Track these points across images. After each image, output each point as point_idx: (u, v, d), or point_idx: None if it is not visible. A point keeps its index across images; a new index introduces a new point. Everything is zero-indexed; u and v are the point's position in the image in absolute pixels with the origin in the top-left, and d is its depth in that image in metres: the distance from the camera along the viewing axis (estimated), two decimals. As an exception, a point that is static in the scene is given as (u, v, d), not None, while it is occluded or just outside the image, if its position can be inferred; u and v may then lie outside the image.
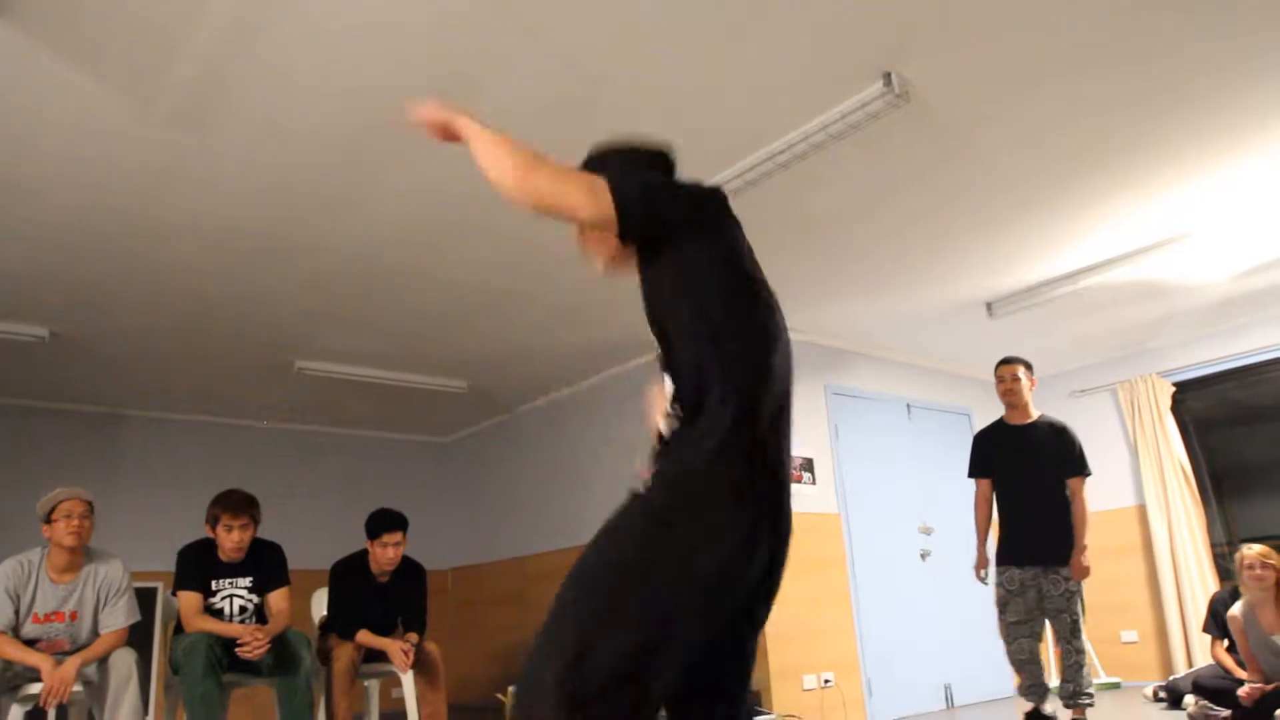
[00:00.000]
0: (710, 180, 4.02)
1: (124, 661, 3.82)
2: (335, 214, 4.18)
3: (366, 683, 4.77)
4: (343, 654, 4.37)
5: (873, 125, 3.60)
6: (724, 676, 1.67)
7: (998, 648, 4.67)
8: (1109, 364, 7.48)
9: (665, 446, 1.65)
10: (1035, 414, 4.70)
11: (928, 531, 6.62)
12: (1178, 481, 6.82)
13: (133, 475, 7.02)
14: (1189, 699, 4.95)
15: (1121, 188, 4.43)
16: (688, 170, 4.12)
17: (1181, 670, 6.25)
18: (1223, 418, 7.01)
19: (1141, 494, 7.07)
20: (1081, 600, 4.38)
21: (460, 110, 1.74)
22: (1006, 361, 4.73)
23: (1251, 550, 4.66)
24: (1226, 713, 4.56)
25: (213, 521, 4.20)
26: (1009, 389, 4.68)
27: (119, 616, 3.96)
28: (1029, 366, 4.73)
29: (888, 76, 3.31)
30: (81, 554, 3.95)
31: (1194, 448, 6.99)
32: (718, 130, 3.66)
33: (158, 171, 3.70)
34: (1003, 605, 4.55)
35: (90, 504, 3.93)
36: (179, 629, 4.20)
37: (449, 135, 1.81)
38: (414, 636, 4.57)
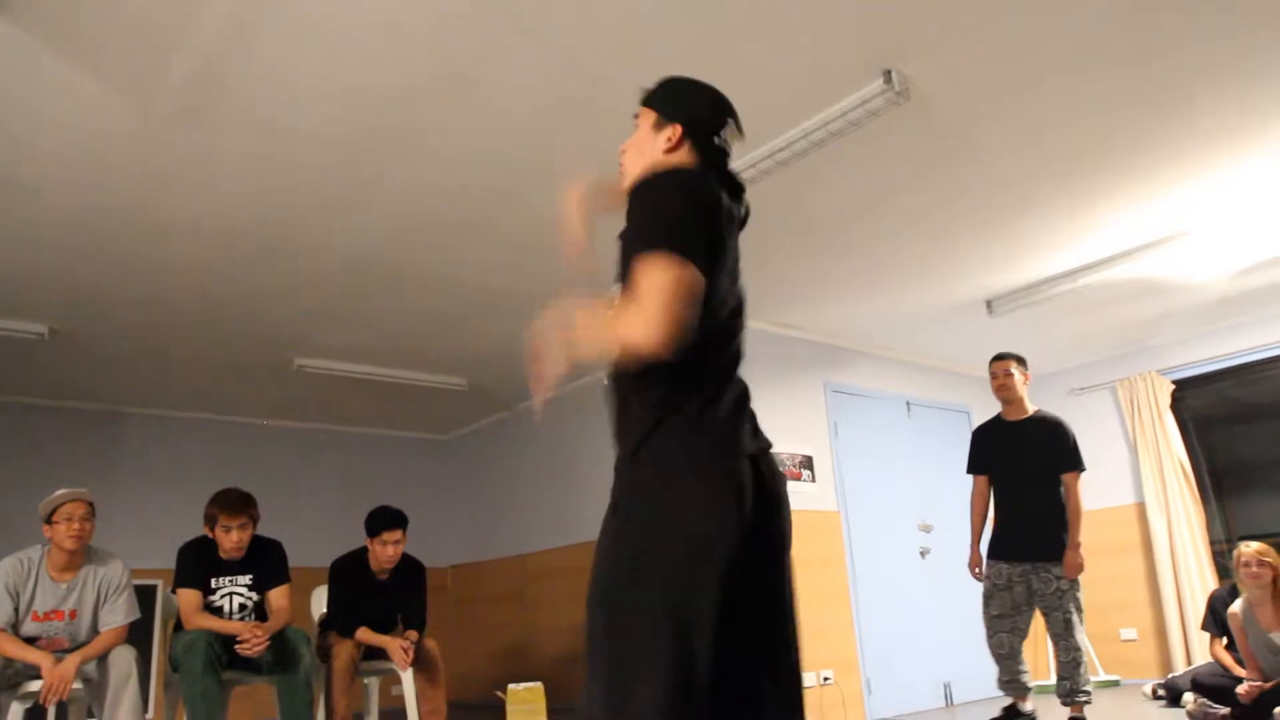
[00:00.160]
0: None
1: (124, 659, 3.83)
2: (335, 213, 4.18)
3: (366, 680, 4.78)
4: (342, 651, 4.38)
5: (873, 123, 3.60)
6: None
7: (997, 645, 4.68)
8: (1108, 362, 7.48)
9: (618, 477, 1.70)
10: (1031, 409, 4.70)
11: (927, 529, 6.63)
12: (1177, 479, 6.82)
13: (132, 473, 7.02)
14: (1188, 697, 4.96)
15: (1121, 186, 4.44)
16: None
17: (1180, 668, 6.26)
18: (1222, 415, 7.01)
19: (1141, 492, 7.08)
20: (1076, 598, 4.37)
21: (545, 343, 1.69)
22: (999, 358, 4.75)
23: (1248, 548, 4.67)
24: (1225, 710, 4.56)
25: (210, 522, 4.20)
26: (1002, 384, 4.70)
27: (119, 614, 3.97)
28: (1022, 362, 4.74)
29: (888, 74, 3.31)
30: (81, 553, 3.95)
31: (1193, 445, 6.99)
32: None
33: (157, 170, 3.70)
34: (987, 599, 4.57)
35: (91, 505, 3.93)
36: (179, 626, 4.20)
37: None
38: (414, 634, 4.58)
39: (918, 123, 3.70)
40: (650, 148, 1.85)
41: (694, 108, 1.86)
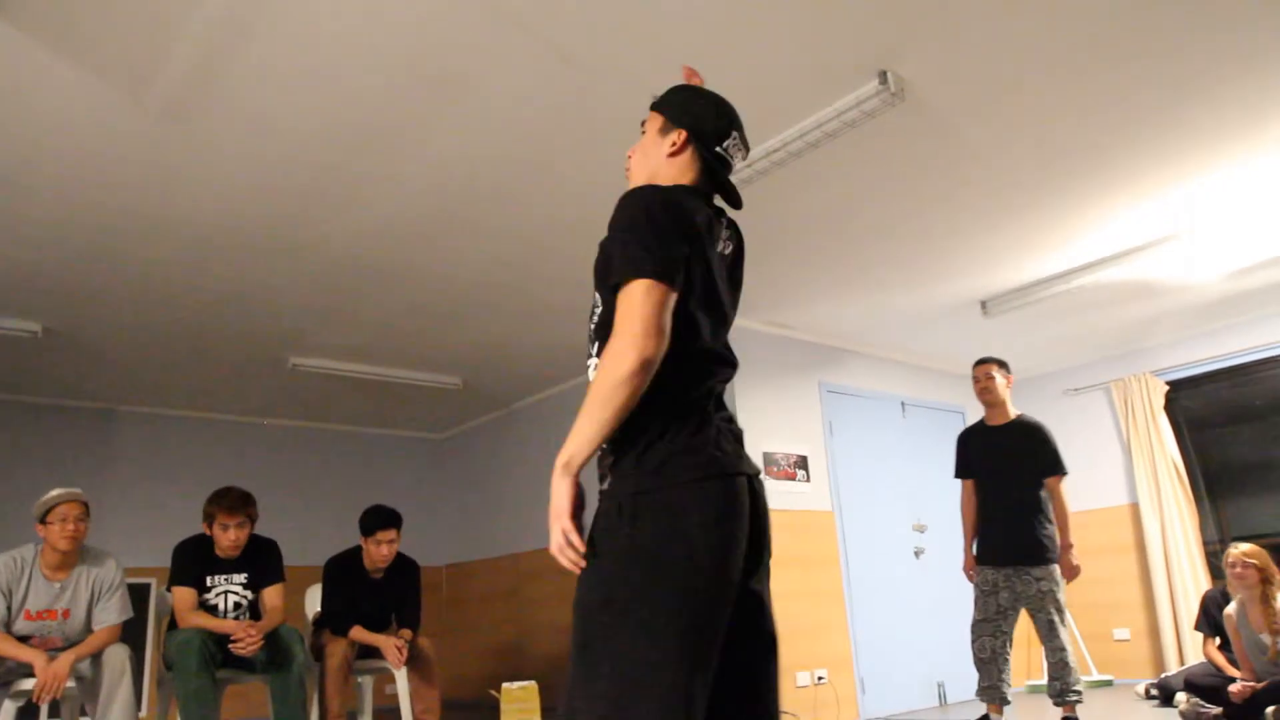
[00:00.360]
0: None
1: (118, 657, 3.82)
2: (330, 211, 4.18)
3: (360, 679, 4.78)
4: (336, 650, 4.37)
5: (868, 124, 3.61)
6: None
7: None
8: (1103, 363, 7.50)
9: (604, 482, 1.68)
10: (1013, 414, 4.74)
11: (921, 529, 6.64)
12: (1170, 480, 6.84)
13: (126, 471, 7.01)
14: (1180, 696, 4.98)
15: (1115, 187, 4.45)
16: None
17: (1173, 668, 6.28)
18: (1216, 417, 7.03)
19: (1135, 492, 7.09)
20: (1057, 599, 4.39)
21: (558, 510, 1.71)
22: (981, 362, 4.78)
23: (1236, 550, 4.69)
24: (1218, 710, 4.58)
25: (209, 520, 4.20)
26: (984, 388, 4.73)
27: (112, 613, 3.96)
28: (1004, 366, 4.76)
29: (883, 75, 3.31)
30: (75, 552, 3.94)
31: (1187, 446, 7.01)
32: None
33: (152, 168, 3.69)
34: (975, 603, 4.60)
35: (86, 506, 3.92)
36: (172, 625, 4.20)
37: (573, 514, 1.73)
38: (407, 633, 4.58)
39: (913, 124, 3.71)
40: (655, 152, 1.89)
41: (700, 115, 1.88)
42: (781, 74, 3.32)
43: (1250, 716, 4.38)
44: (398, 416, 8.16)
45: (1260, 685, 4.43)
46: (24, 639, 3.80)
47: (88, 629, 3.94)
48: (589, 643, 1.55)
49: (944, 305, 6.05)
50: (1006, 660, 4.50)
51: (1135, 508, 7.09)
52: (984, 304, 6.03)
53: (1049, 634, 4.37)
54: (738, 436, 1.74)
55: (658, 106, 1.94)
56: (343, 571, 4.67)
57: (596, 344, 1.72)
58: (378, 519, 4.61)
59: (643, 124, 1.97)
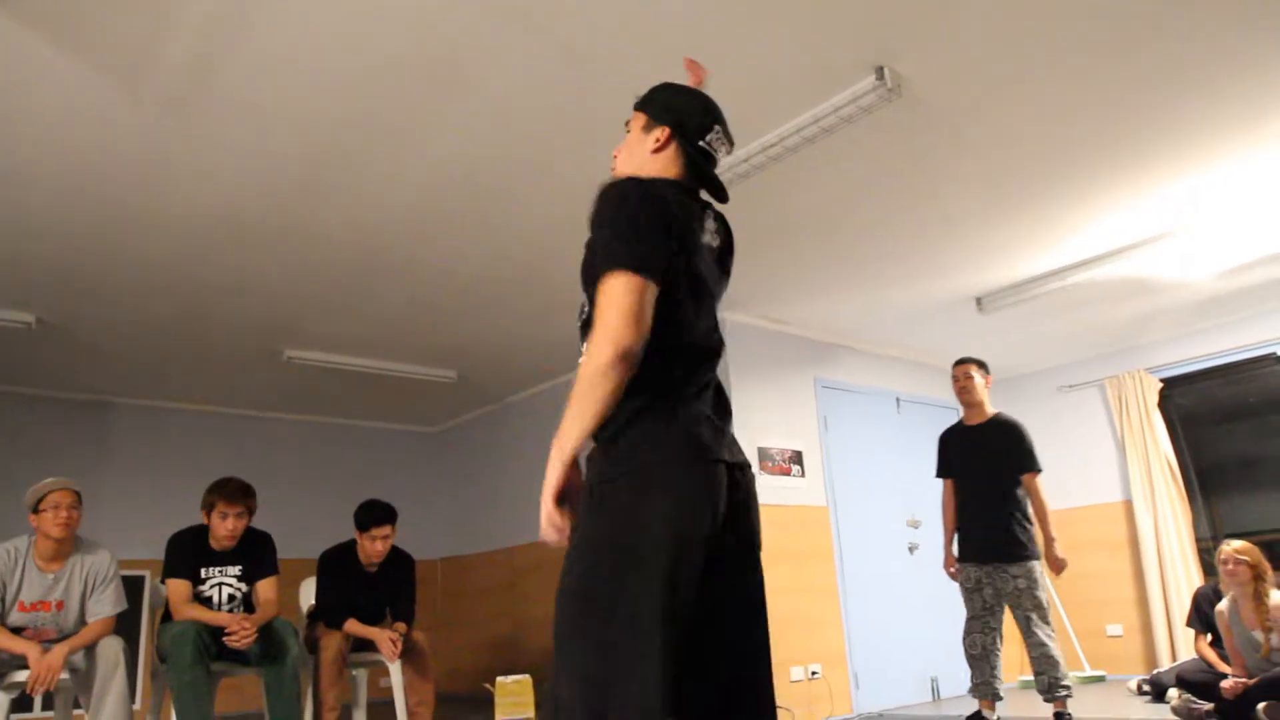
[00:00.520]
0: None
1: (111, 649, 3.82)
2: (326, 202, 4.17)
3: (354, 672, 4.78)
4: (331, 643, 4.37)
5: (865, 119, 3.61)
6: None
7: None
8: (1097, 360, 7.51)
9: (591, 458, 1.71)
10: (990, 413, 4.77)
11: (916, 525, 6.65)
12: (1164, 477, 6.86)
13: (120, 463, 6.99)
14: (1172, 692, 5.00)
15: (1111, 184, 4.45)
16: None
17: (1165, 664, 6.30)
18: (1209, 414, 7.05)
19: (1128, 489, 7.11)
20: (1035, 596, 4.42)
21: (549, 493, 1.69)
22: (960, 362, 4.83)
23: (1228, 547, 4.71)
24: (1209, 706, 4.60)
25: (208, 508, 4.20)
26: (962, 388, 4.77)
27: (106, 605, 3.96)
28: (983, 366, 4.80)
29: (880, 71, 3.31)
30: (69, 543, 3.94)
31: (1180, 443, 7.03)
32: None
33: (147, 158, 3.68)
34: (964, 601, 4.65)
35: (78, 494, 3.92)
36: (166, 617, 4.20)
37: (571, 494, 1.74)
38: (402, 626, 4.57)
39: (909, 120, 3.71)
40: (639, 149, 1.92)
41: (682, 111, 1.91)
42: (779, 70, 3.32)
43: (1242, 712, 4.40)
44: (393, 410, 8.16)
45: (1252, 681, 4.44)
46: (18, 630, 3.79)
47: (82, 621, 3.93)
48: (561, 628, 1.59)
49: (939, 301, 6.06)
50: (997, 656, 4.54)
51: (1129, 504, 7.11)
52: (979, 300, 6.04)
53: (1028, 629, 4.42)
54: (719, 426, 1.73)
55: (641, 106, 1.97)
56: (337, 564, 4.67)
57: (584, 343, 1.75)
58: (373, 515, 4.61)
59: (627, 124, 1.99)
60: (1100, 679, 6.89)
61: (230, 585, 4.25)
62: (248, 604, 4.30)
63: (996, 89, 3.53)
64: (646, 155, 1.89)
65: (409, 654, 4.53)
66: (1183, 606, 6.35)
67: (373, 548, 4.59)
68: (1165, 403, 7.08)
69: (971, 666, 4.58)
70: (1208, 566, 6.61)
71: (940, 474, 4.93)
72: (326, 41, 3.01)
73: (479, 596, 8.00)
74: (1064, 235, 5.06)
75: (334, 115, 3.45)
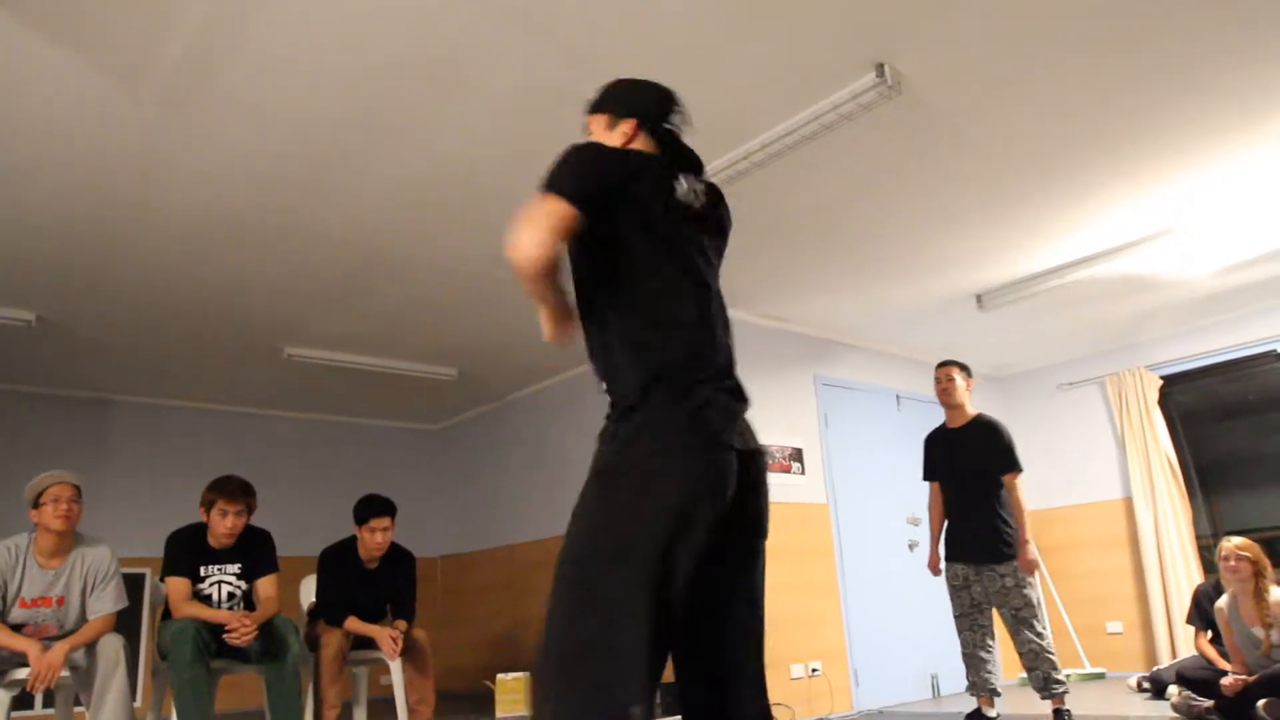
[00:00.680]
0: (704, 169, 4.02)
1: (112, 647, 3.82)
2: (326, 201, 4.17)
3: (355, 669, 4.78)
4: (331, 641, 4.37)
5: (865, 117, 3.61)
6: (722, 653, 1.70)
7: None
8: (1097, 357, 7.51)
9: (601, 437, 1.72)
10: (972, 413, 4.80)
11: (915, 522, 6.65)
12: (1164, 474, 6.87)
13: (121, 461, 7.00)
14: (1172, 689, 4.99)
15: (1111, 182, 4.45)
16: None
17: (1165, 661, 6.30)
18: (1209, 411, 7.05)
19: (1128, 486, 7.12)
20: (1023, 594, 4.44)
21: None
22: (942, 364, 4.86)
23: (1229, 543, 4.71)
24: (1209, 703, 4.60)
25: (208, 506, 4.19)
26: (944, 390, 4.81)
27: (106, 602, 3.96)
28: (964, 368, 4.84)
29: (880, 68, 3.31)
30: (69, 539, 3.94)
31: (1180, 441, 7.03)
32: (710, 119, 3.66)
33: (147, 156, 3.68)
34: (950, 600, 4.70)
35: (78, 488, 3.92)
36: (166, 615, 4.20)
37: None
38: (402, 623, 4.57)
39: (909, 117, 3.71)
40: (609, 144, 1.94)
41: (643, 101, 1.97)
42: (779, 67, 3.32)
43: (1242, 709, 4.40)
44: (393, 407, 8.16)
45: (1252, 678, 4.45)
46: (18, 627, 3.79)
47: (82, 617, 3.93)
48: (552, 605, 1.58)
49: (939, 299, 6.06)
50: (990, 652, 4.57)
51: (1129, 502, 7.11)
52: (979, 298, 6.04)
53: (1017, 627, 4.44)
54: (730, 409, 1.71)
55: (598, 108, 2.01)
56: (338, 562, 4.67)
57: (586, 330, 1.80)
58: (371, 507, 4.61)
59: (586, 130, 2.04)
60: (1100, 676, 6.90)
61: (229, 583, 4.25)
62: (247, 602, 4.29)
63: (997, 87, 3.53)
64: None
65: (409, 651, 4.53)
66: (1183, 604, 6.35)
67: (372, 540, 4.59)
68: (1165, 400, 7.08)
69: (965, 664, 4.62)
70: (1208, 564, 6.61)
71: (926, 477, 4.98)
72: (326, 41, 3.00)
73: (479, 594, 8.00)
74: (1064, 232, 5.06)
75: (334, 114, 3.45)
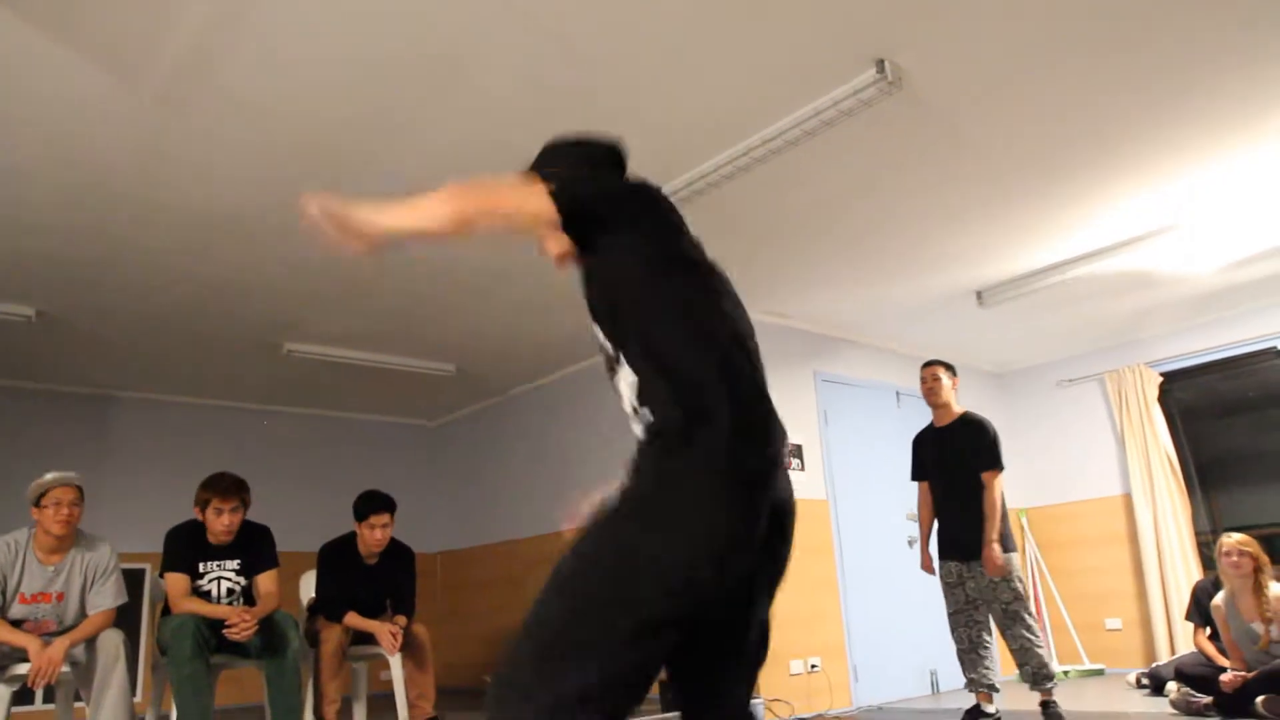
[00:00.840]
0: (704, 166, 4.02)
1: (112, 642, 3.82)
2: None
3: (355, 665, 4.78)
4: (331, 636, 4.38)
5: (865, 113, 3.60)
6: (724, 675, 1.63)
7: (984, 634, 4.74)
8: (1097, 354, 7.51)
9: (635, 458, 1.58)
10: (958, 411, 4.82)
11: (915, 519, 6.65)
12: (1163, 471, 6.87)
13: (121, 457, 7.00)
14: (1171, 686, 5.00)
15: (1112, 179, 4.45)
16: (683, 157, 4.12)
17: (1164, 657, 6.31)
18: (1209, 408, 7.05)
19: (1127, 483, 7.12)
20: (1012, 588, 4.45)
21: (349, 207, 1.69)
22: (928, 364, 4.87)
23: (1230, 539, 4.71)
24: (1208, 700, 4.60)
25: (202, 505, 4.19)
26: (930, 389, 4.82)
27: (106, 598, 3.96)
28: (949, 368, 4.85)
29: (881, 64, 3.30)
30: (70, 536, 3.94)
31: (1180, 438, 7.04)
32: (710, 116, 3.66)
33: (147, 152, 3.67)
34: (944, 597, 4.72)
35: (80, 490, 3.91)
36: (166, 610, 4.20)
37: (354, 236, 1.71)
38: (402, 619, 4.58)
39: (910, 113, 3.70)
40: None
41: (592, 155, 1.91)
42: (779, 63, 3.31)
43: (1240, 706, 4.41)
44: (393, 403, 8.16)
45: (1251, 675, 4.45)
46: (18, 623, 3.80)
47: (82, 613, 3.94)
48: (558, 583, 1.49)
49: (939, 295, 6.06)
50: (986, 649, 4.59)
51: (1128, 498, 7.11)
52: (979, 294, 6.04)
53: (1006, 623, 4.46)
54: (771, 455, 1.58)
55: (542, 169, 1.86)
56: (337, 557, 4.67)
57: (601, 326, 1.69)
58: (371, 503, 4.61)
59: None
60: (1099, 672, 6.90)
61: (229, 579, 4.25)
62: (247, 597, 4.30)
63: (997, 83, 3.53)
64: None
65: (409, 647, 4.53)
66: (1181, 600, 6.35)
67: (372, 537, 4.59)
68: (1165, 397, 7.08)
69: (962, 661, 4.64)
70: (1207, 560, 6.61)
71: (915, 477, 5.00)
72: (326, 39, 3.00)
73: (478, 589, 8.01)
74: (1064, 229, 5.05)
75: (334, 113, 3.45)
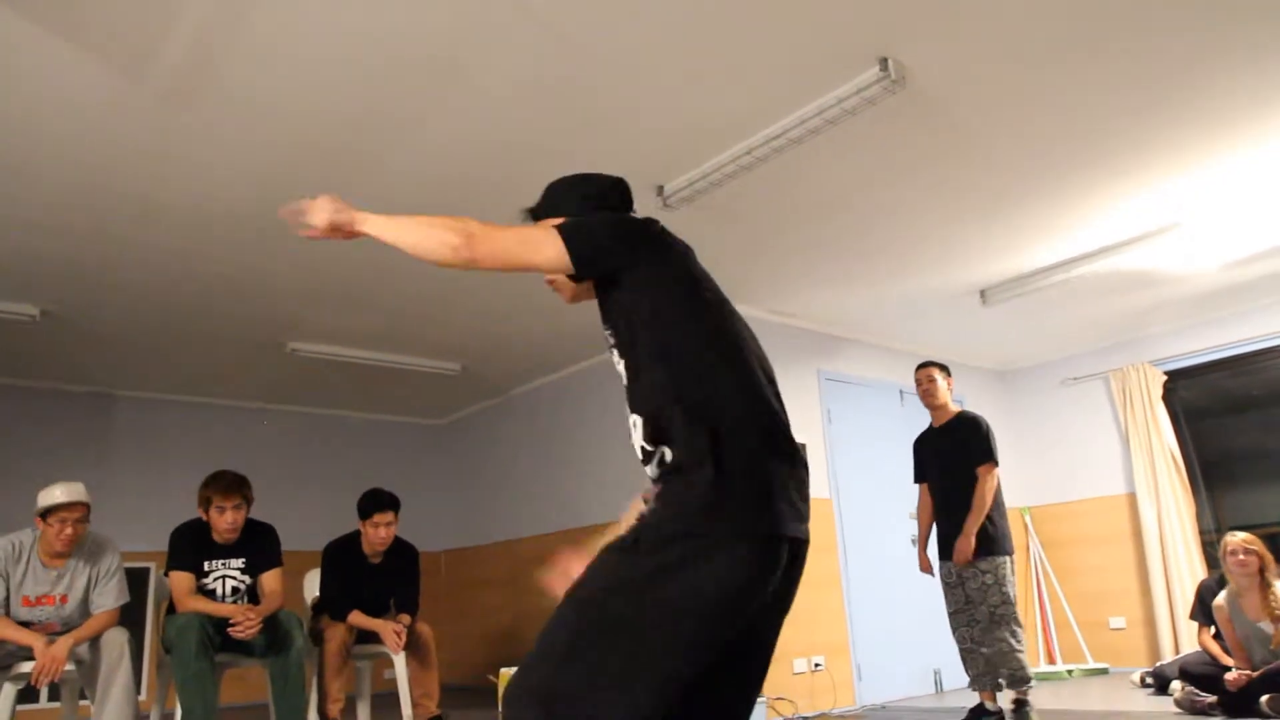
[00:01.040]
0: (707, 165, 4.02)
1: (116, 641, 3.83)
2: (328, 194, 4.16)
3: (359, 663, 4.79)
4: (335, 635, 4.38)
5: (869, 111, 3.59)
6: (728, 695, 1.63)
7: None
8: (1101, 352, 7.50)
9: (651, 497, 1.57)
10: (954, 410, 4.85)
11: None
12: (1168, 470, 6.86)
13: (124, 455, 7.01)
14: (1175, 685, 4.99)
15: (1116, 177, 4.44)
16: (684, 154, 4.12)
17: (1169, 656, 6.30)
18: (1213, 407, 7.04)
19: (1132, 482, 7.10)
20: (1002, 591, 4.46)
21: (347, 206, 1.76)
22: (923, 365, 4.90)
23: (1234, 538, 4.70)
24: (1212, 699, 4.59)
25: (205, 504, 4.19)
26: (926, 390, 4.84)
27: (110, 597, 3.97)
28: (944, 369, 4.88)
29: (884, 62, 3.30)
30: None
31: (1184, 436, 7.02)
32: (713, 114, 3.65)
33: (150, 151, 3.67)
34: (945, 597, 4.73)
35: (87, 507, 3.91)
36: (171, 609, 4.21)
37: (344, 234, 1.77)
38: (406, 618, 4.59)
39: (913, 111, 3.69)
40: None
41: (599, 192, 1.89)
42: (782, 61, 3.31)
43: (1245, 705, 4.40)
44: (396, 402, 8.16)
45: (1255, 674, 4.44)
46: (23, 625, 3.80)
47: (86, 614, 3.94)
48: (568, 629, 1.47)
49: (943, 294, 6.05)
50: (983, 648, 4.56)
51: (1132, 497, 7.10)
52: (983, 293, 6.03)
53: (990, 625, 4.47)
54: (794, 493, 1.56)
55: (547, 213, 1.89)
56: (342, 556, 4.68)
57: (623, 361, 1.69)
58: (375, 502, 4.62)
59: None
60: (1103, 671, 6.90)
61: (233, 578, 4.25)
62: (251, 596, 4.30)
63: (1001, 83, 3.52)
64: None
65: (413, 645, 4.54)
66: (1186, 599, 6.34)
67: (376, 535, 4.60)
68: (1169, 395, 7.06)
69: (964, 660, 4.65)
70: (1211, 559, 6.59)
71: (916, 479, 5.02)
72: (327, 37, 3.00)
73: (482, 588, 8.02)
74: (1068, 228, 5.04)
75: (335, 110, 3.45)
